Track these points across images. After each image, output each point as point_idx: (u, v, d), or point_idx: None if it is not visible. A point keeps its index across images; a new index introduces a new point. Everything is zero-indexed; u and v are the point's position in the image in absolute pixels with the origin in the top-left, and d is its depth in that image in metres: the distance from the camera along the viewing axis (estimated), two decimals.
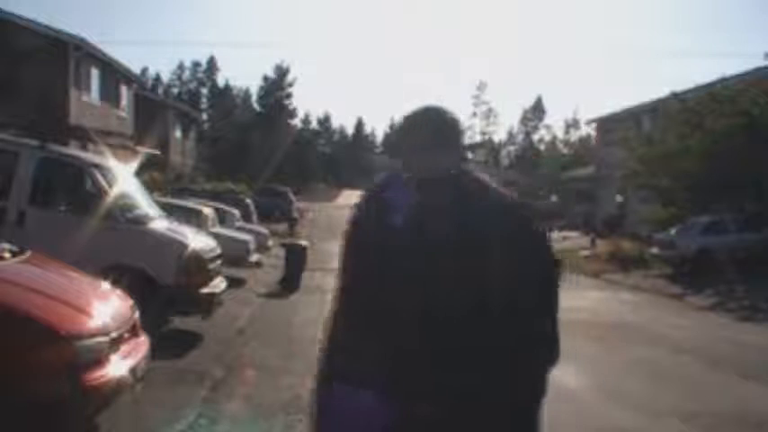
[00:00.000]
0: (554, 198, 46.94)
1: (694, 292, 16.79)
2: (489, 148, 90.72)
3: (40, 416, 4.01)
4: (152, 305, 6.48)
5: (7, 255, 5.00)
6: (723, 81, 23.31)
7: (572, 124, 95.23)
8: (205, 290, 8.47)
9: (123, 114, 29.01)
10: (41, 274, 5.11)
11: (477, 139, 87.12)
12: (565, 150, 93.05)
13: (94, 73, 24.84)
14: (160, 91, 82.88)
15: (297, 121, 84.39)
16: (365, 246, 2.01)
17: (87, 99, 24.28)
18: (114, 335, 4.53)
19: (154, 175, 25.03)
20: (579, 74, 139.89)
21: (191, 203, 16.02)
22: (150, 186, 16.29)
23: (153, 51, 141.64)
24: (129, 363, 4.62)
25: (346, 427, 2.01)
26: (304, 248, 15.35)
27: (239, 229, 17.22)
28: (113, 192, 8.29)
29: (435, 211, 1.93)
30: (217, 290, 8.83)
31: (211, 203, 17.35)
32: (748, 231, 19.48)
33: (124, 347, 4.68)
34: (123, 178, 8.95)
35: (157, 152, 28.44)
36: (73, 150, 11.35)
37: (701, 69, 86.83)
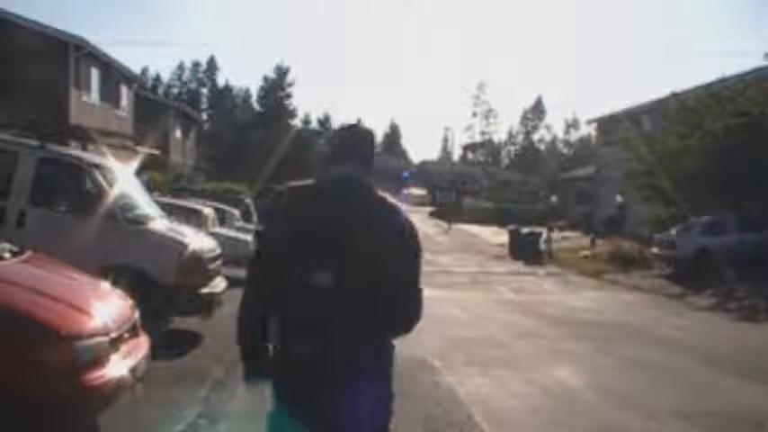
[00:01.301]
0: (554, 198, 46.93)
1: (694, 293, 16.79)
2: (489, 148, 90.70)
3: (41, 416, 4.01)
4: (152, 305, 6.48)
5: (7, 255, 5.00)
6: (723, 81, 23.30)
7: (572, 124, 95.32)
8: (205, 290, 8.48)
9: (123, 114, 29.02)
10: (41, 274, 5.11)
11: (478, 139, 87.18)
12: (565, 150, 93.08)
13: (94, 73, 24.86)
14: (160, 91, 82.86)
15: (297, 121, 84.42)
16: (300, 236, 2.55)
17: (87, 99, 24.30)
18: (114, 335, 4.53)
19: (154, 175, 25.01)
20: (579, 74, 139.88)
21: (191, 203, 16.01)
22: (150, 186, 16.29)
23: (153, 51, 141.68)
24: (129, 363, 4.62)
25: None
26: None
27: (239, 229, 17.21)
28: (113, 192, 8.29)
29: (359, 205, 2.56)
30: (217, 290, 8.83)
31: (211, 203, 17.34)
32: (748, 231, 19.47)
33: (124, 347, 4.68)
34: (123, 178, 8.95)
35: (157, 152, 28.40)
36: (73, 150, 11.33)
37: (701, 69, 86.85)
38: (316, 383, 2.52)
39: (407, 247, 2.55)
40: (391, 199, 2.64)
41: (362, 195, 2.55)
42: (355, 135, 2.70)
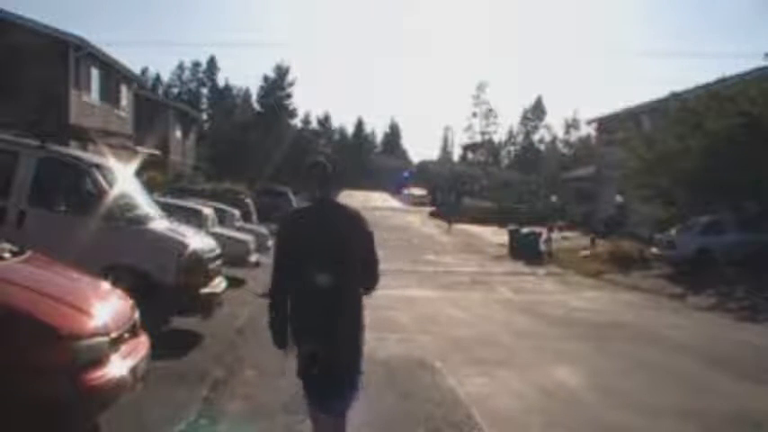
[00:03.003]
0: (554, 198, 46.90)
1: (694, 293, 16.78)
2: (489, 148, 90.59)
3: (41, 416, 4.01)
4: (152, 305, 6.47)
5: (7, 255, 4.99)
6: (723, 81, 23.27)
7: (572, 124, 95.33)
8: (205, 290, 8.47)
9: (123, 114, 29.01)
10: (41, 274, 5.10)
11: (478, 139, 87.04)
12: (565, 150, 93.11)
13: (94, 73, 24.85)
14: (160, 91, 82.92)
15: (297, 121, 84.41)
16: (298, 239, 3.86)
17: (87, 99, 24.29)
18: (114, 335, 4.53)
19: (154, 175, 25.02)
20: (579, 74, 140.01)
21: (191, 203, 15.99)
22: (150, 186, 16.27)
23: (153, 51, 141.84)
24: (129, 363, 4.62)
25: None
26: None
27: (239, 229, 17.18)
28: (113, 192, 8.28)
29: (329, 218, 3.87)
30: (217, 290, 8.83)
31: (211, 203, 17.33)
32: (748, 231, 19.47)
33: (124, 347, 4.68)
34: (123, 178, 8.94)
35: (157, 152, 28.44)
36: (73, 150, 11.32)
37: (700, 69, 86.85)
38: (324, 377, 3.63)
39: (366, 235, 3.93)
40: (351, 207, 4.05)
41: (331, 209, 3.92)
42: (314, 170, 3.94)
